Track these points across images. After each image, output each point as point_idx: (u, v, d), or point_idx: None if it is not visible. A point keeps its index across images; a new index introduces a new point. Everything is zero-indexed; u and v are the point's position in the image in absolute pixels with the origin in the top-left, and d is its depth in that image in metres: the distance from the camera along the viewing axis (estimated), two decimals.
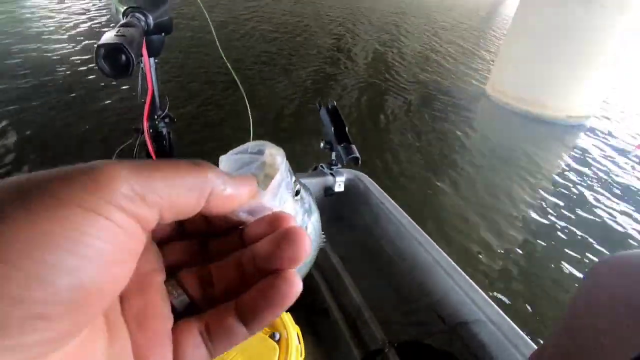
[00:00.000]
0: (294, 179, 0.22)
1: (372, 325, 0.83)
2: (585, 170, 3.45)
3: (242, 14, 6.69)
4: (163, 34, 0.74)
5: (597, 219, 2.78)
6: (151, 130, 0.80)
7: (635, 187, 3.27)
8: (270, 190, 0.19)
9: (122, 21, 0.62)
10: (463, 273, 0.82)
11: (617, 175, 3.43)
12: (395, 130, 3.66)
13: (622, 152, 3.84)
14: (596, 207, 2.92)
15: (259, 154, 0.20)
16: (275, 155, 0.20)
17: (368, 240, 1.10)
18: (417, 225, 0.98)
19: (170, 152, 0.85)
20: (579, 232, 2.59)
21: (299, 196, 0.23)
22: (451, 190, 2.87)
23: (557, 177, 3.28)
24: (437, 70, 5.48)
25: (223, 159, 0.20)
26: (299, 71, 4.63)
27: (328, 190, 1.13)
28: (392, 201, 1.07)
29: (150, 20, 0.68)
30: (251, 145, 0.21)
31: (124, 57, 0.52)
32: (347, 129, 1.02)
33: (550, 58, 3.91)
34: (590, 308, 0.32)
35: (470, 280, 0.80)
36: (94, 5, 5.95)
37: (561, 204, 2.89)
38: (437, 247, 0.91)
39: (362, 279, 0.98)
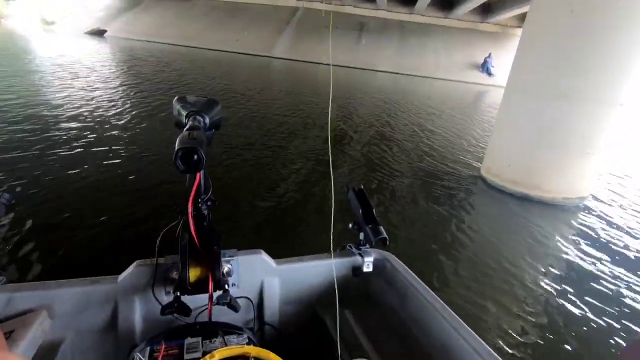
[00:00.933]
0: None
1: None
2: (587, 249, 3.39)
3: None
4: (213, 130, 0.85)
5: (607, 294, 2.63)
6: (194, 212, 0.87)
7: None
8: None
9: (189, 124, 0.76)
10: (499, 357, 0.77)
11: (620, 252, 3.36)
12: (391, 219, 3.66)
13: (622, 229, 3.82)
14: (603, 284, 2.79)
15: None
16: None
17: (396, 320, 1.07)
18: (447, 306, 0.95)
19: (210, 231, 0.92)
20: (591, 315, 2.43)
21: None
22: (453, 277, 2.77)
23: (557, 258, 3.21)
24: (430, 156, 5.72)
25: None
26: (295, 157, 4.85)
27: (356, 271, 1.15)
28: (421, 282, 1.06)
29: (207, 120, 0.81)
30: None
31: (196, 157, 0.64)
32: (374, 210, 1.07)
33: (540, 146, 4.12)
34: None
35: None
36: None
37: (567, 286, 2.77)
38: (469, 328, 0.86)
39: None
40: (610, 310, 2.56)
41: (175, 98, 0.84)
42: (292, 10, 22.39)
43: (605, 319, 2.46)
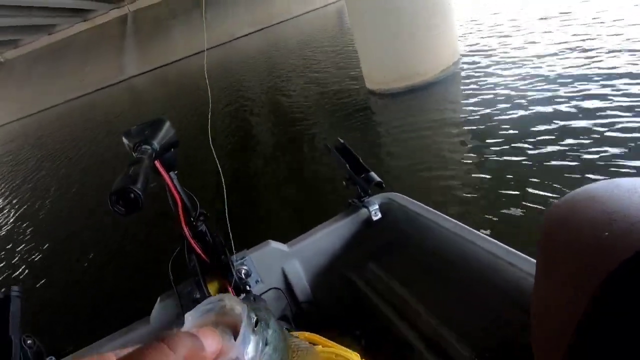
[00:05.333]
0: (252, 315, 0.25)
1: (456, 343, 0.79)
2: (486, 97, 3.69)
3: None
4: (172, 150, 0.82)
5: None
6: (192, 232, 0.87)
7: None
8: (237, 346, 0.23)
9: (133, 158, 0.71)
10: (530, 258, 0.76)
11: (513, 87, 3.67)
12: (313, 148, 3.73)
13: (501, 72, 4.15)
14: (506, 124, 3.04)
15: (220, 302, 0.25)
16: (235, 305, 0.25)
17: (420, 254, 1.06)
18: (466, 226, 0.93)
19: (215, 242, 0.92)
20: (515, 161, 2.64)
21: (257, 326, 0.25)
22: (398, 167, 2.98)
23: (470, 116, 3.47)
24: (322, 90, 5.68)
25: (188, 316, 0.24)
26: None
27: (367, 222, 1.14)
28: (432, 209, 1.05)
29: (156, 145, 0.76)
30: (213, 298, 0.25)
31: (132, 195, 0.60)
32: (360, 159, 1.07)
33: (396, 35, 4.19)
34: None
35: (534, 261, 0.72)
36: None
37: (483, 140, 3.01)
38: (494, 240, 0.85)
39: (429, 298, 0.95)
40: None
41: (123, 133, 0.79)
42: (120, 21, 20.11)
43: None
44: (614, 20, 4.38)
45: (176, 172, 0.85)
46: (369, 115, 4.39)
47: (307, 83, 6.60)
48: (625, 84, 3.09)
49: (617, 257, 0.20)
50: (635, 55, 3.48)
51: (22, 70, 19.45)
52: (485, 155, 2.87)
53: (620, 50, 3.64)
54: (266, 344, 0.27)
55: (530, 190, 2.33)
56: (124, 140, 0.79)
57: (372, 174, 1.05)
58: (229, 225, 0.98)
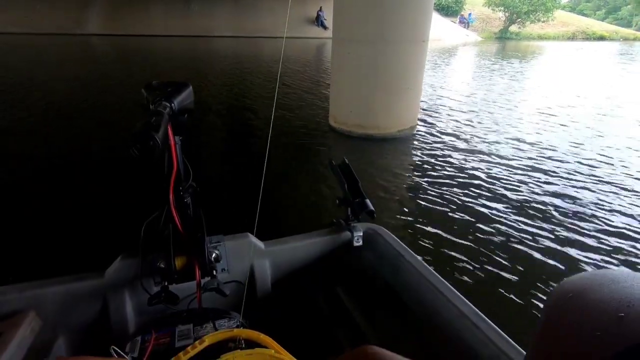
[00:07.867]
0: None
1: None
2: (432, 160, 4.09)
3: None
4: (186, 115, 0.83)
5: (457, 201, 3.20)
6: (176, 201, 0.86)
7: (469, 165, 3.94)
8: None
9: (151, 109, 0.73)
10: (493, 324, 0.78)
11: (458, 158, 4.10)
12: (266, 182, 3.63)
13: (450, 142, 4.65)
14: (446, 190, 3.38)
15: None
16: None
17: (389, 292, 1.06)
18: (439, 276, 0.95)
19: (195, 219, 0.90)
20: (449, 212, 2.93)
21: None
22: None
23: (414, 175, 3.75)
24: (284, 119, 5.79)
25: None
26: None
27: (347, 246, 1.15)
28: (411, 251, 1.05)
29: (176, 105, 0.77)
30: None
31: (151, 143, 0.60)
32: (360, 184, 1.07)
33: (370, 88, 4.54)
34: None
35: (501, 331, 0.76)
36: None
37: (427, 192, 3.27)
38: (463, 297, 0.87)
39: (387, 336, 0.96)
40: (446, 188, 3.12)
41: (144, 85, 0.82)
42: None
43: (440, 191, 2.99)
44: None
45: (182, 138, 0.86)
46: (322, 146, 4.62)
47: (267, 101, 6.71)
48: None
49: (628, 340, 0.21)
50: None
51: None
52: (410, 207, 3.16)
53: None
54: None
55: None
56: (144, 91, 0.81)
57: (368, 201, 1.07)
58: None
